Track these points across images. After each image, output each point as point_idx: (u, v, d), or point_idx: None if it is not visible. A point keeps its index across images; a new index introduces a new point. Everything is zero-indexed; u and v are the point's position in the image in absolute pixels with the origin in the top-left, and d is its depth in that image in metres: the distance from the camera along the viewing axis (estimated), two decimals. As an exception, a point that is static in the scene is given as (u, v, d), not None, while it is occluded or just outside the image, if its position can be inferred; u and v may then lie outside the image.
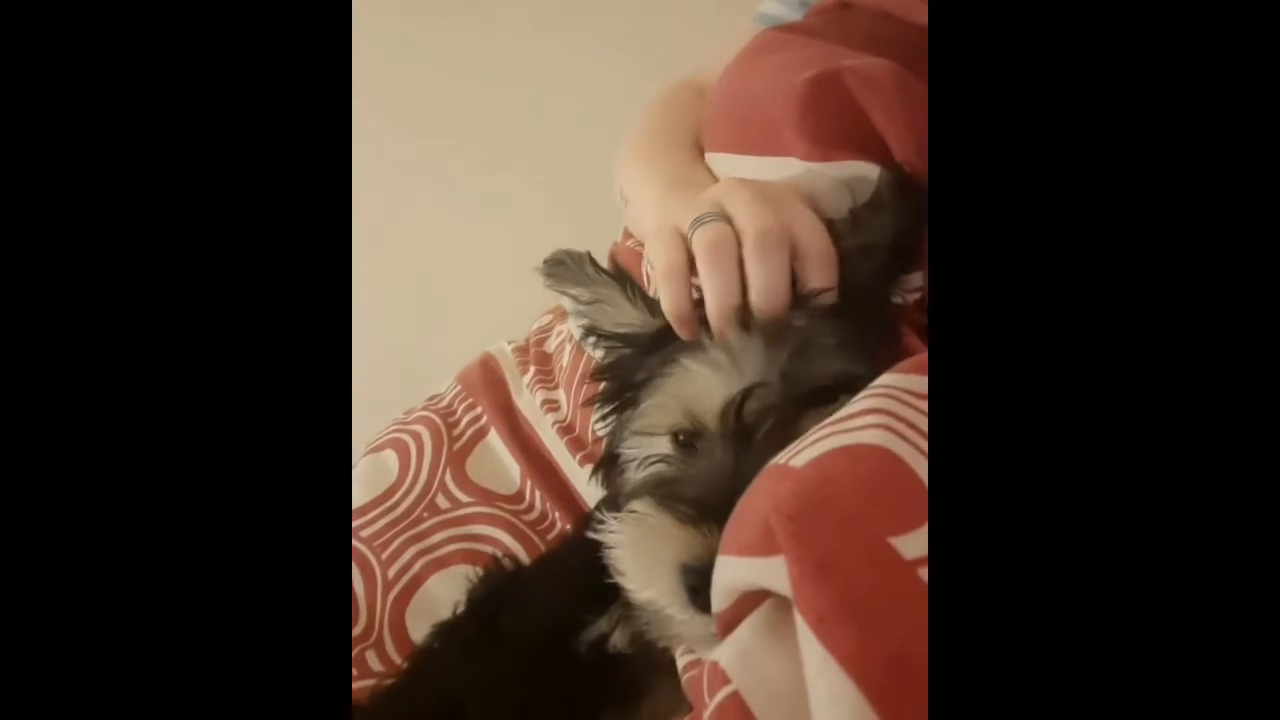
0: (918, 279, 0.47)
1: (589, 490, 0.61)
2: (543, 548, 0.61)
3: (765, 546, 0.26)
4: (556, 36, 1.14)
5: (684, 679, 0.37)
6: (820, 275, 0.43)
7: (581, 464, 0.63)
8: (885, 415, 0.29)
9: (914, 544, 0.24)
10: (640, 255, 0.65)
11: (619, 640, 0.43)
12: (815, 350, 0.41)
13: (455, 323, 1.15)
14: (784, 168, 0.57)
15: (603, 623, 0.43)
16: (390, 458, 0.69)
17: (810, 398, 0.40)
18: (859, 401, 0.31)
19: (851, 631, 0.22)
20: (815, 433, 0.30)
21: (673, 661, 0.39)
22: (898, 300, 0.47)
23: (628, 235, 0.74)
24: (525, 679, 0.44)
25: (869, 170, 0.49)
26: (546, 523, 0.63)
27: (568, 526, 0.62)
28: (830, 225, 0.47)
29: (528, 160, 1.15)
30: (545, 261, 0.50)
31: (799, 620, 0.23)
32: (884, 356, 0.39)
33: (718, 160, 0.64)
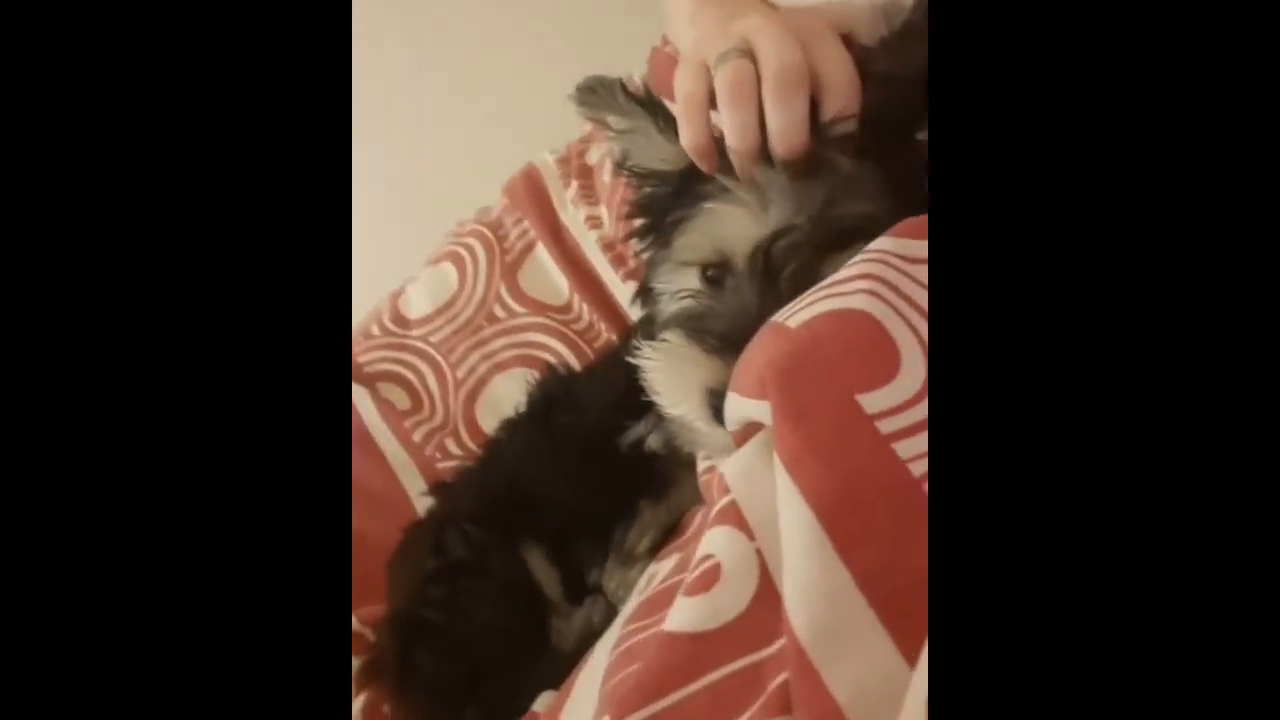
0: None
1: (632, 305, 0.67)
2: (591, 355, 0.69)
3: (759, 392, 0.32)
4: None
5: (701, 481, 0.46)
6: (838, 102, 0.43)
7: (624, 280, 0.69)
8: (874, 280, 0.33)
9: (878, 400, 0.29)
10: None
11: (654, 442, 0.50)
12: (842, 192, 0.42)
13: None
14: None
15: (641, 426, 0.51)
16: (449, 271, 0.75)
17: (835, 241, 0.42)
18: (855, 265, 0.35)
19: (814, 470, 0.28)
20: (811, 294, 0.34)
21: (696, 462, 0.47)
22: (923, 138, 0.47)
23: (666, 40, 0.73)
24: (578, 469, 0.54)
25: None
26: (593, 332, 0.70)
27: (613, 337, 0.69)
28: (863, 52, 0.47)
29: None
30: (577, 88, 0.50)
31: (775, 458, 0.29)
32: (908, 197, 0.41)
33: None
